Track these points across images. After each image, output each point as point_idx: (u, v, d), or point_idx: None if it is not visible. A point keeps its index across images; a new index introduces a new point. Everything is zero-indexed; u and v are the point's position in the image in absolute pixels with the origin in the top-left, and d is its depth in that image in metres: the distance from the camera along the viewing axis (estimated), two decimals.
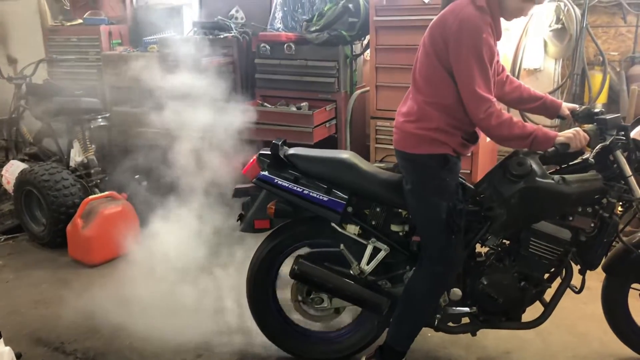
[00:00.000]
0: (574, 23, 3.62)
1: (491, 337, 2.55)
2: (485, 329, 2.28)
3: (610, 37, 3.78)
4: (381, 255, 2.21)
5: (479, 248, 2.25)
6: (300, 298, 2.36)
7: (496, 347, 2.53)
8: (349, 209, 2.18)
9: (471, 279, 2.22)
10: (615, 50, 3.77)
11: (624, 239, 2.19)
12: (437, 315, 2.24)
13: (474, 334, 2.29)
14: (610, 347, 2.47)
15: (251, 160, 2.33)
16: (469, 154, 3.11)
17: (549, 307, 2.22)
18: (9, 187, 4.01)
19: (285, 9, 4.08)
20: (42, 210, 3.73)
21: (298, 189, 2.18)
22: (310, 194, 2.17)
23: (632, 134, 2.10)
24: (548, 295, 2.23)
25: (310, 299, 2.35)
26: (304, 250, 2.37)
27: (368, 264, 2.23)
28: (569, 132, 1.97)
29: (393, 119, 2.18)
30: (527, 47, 3.83)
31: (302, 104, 3.78)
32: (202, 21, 4.24)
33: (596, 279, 2.33)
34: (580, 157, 2.12)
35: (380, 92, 3.68)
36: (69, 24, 4.80)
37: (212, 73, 3.41)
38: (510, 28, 3.75)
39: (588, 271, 2.18)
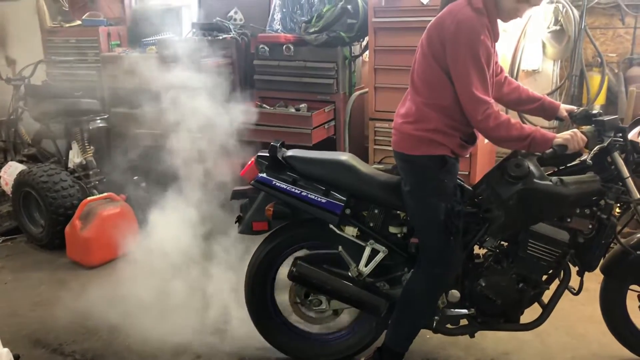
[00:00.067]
0: (572, 24, 3.63)
1: (490, 339, 2.56)
2: (484, 330, 2.28)
3: (609, 38, 3.78)
4: (379, 257, 2.21)
5: (477, 250, 2.25)
6: (298, 300, 2.36)
7: (495, 349, 2.53)
8: (347, 211, 2.18)
9: (469, 281, 2.22)
10: (613, 52, 3.77)
11: (622, 240, 2.19)
12: (436, 317, 2.24)
13: (472, 336, 2.29)
14: (608, 349, 2.47)
15: (249, 162, 2.33)
16: (467, 156, 3.11)
17: (548, 309, 2.22)
18: (7, 188, 4.00)
19: (284, 10, 4.08)
20: (41, 211, 3.73)
21: (296, 191, 2.18)
22: (309, 195, 2.17)
23: (630, 136, 2.10)
24: (546, 296, 2.23)
25: (308, 301, 2.35)
26: (302, 252, 2.37)
27: (366, 265, 2.23)
28: (566, 134, 1.97)
29: (392, 121, 2.18)
30: (525, 49, 3.83)
31: (300, 106, 3.78)
32: (201, 22, 4.24)
33: (594, 280, 2.33)
34: (578, 159, 2.12)
35: (379, 94, 3.69)
36: (67, 25, 4.80)
37: (211, 74, 3.41)
38: (508, 29, 3.76)
39: (586, 273, 2.19)
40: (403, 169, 2.11)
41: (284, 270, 2.35)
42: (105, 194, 3.62)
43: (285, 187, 2.19)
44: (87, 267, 3.42)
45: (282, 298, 2.43)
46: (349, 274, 2.25)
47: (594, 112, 2.16)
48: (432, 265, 2.10)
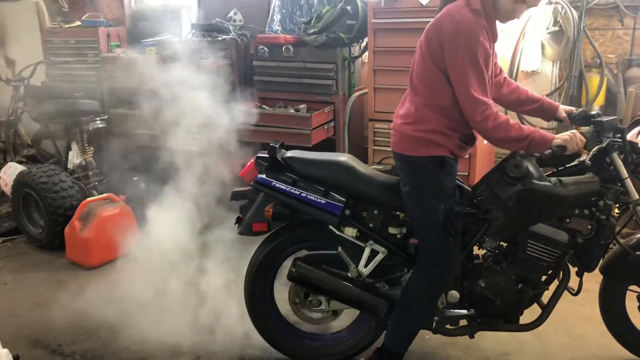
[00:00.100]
0: (572, 25, 3.63)
1: (489, 340, 2.56)
2: (483, 331, 2.28)
3: (608, 39, 3.79)
4: (379, 257, 2.22)
5: (476, 250, 2.26)
6: (298, 300, 2.37)
7: (494, 349, 2.53)
8: (347, 212, 2.18)
9: (469, 281, 2.22)
10: (612, 53, 3.78)
11: (621, 241, 2.19)
12: (435, 318, 2.24)
13: (472, 336, 2.29)
14: (607, 349, 2.48)
15: (249, 163, 2.33)
16: (467, 156, 3.11)
17: (547, 309, 2.22)
18: (7, 189, 4.00)
19: (283, 11, 4.08)
20: (40, 212, 3.73)
21: (296, 192, 2.18)
22: (308, 196, 2.17)
23: (629, 136, 2.11)
24: (545, 297, 2.23)
25: (308, 302, 2.35)
26: (302, 253, 2.37)
27: (366, 266, 2.23)
28: (565, 135, 1.98)
29: (391, 121, 2.18)
30: (524, 50, 3.84)
31: (300, 106, 3.79)
32: (201, 23, 4.24)
33: (593, 281, 2.34)
34: (577, 160, 2.13)
35: (378, 95, 3.69)
36: (67, 25, 4.80)
37: (210, 75, 3.41)
38: (507, 30, 3.76)
39: (585, 273, 2.19)
40: (402, 169, 2.11)
41: (283, 271, 2.35)
42: (104, 194, 3.62)
43: (284, 188, 2.19)
44: (86, 268, 3.42)
45: (282, 299, 2.43)
46: (349, 274, 2.25)
47: (593, 113, 2.17)
48: (431, 266, 2.10)
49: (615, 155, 2.05)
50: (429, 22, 2.02)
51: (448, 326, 2.27)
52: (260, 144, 3.68)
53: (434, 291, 2.17)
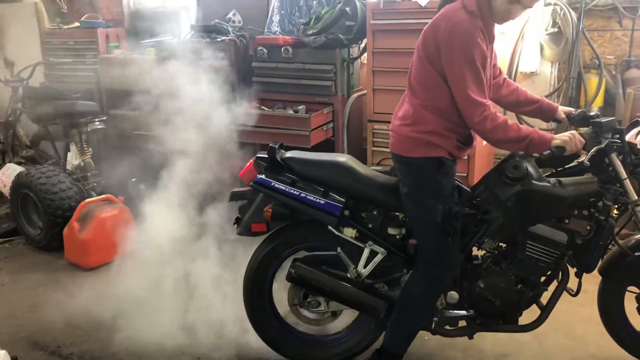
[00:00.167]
0: (570, 27, 3.64)
1: (488, 340, 2.56)
2: (482, 332, 2.28)
3: (606, 40, 3.79)
4: (378, 258, 2.21)
5: (475, 251, 2.26)
6: (297, 301, 2.36)
7: (493, 350, 2.53)
8: (346, 212, 2.18)
9: (468, 282, 2.22)
10: (611, 54, 3.78)
11: (620, 241, 2.19)
12: (434, 319, 2.24)
13: (471, 337, 2.29)
14: (606, 350, 2.48)
15: (248, 163, 2.33)
16: (465, 157, 3.12)
17: (546, 310, 2.22)
18: (6, 190, 4.00)
19: (282, 12, 4.08)
20: (39, 213, 3.72)
21: (295, 192, 2.18)
22: (307, 197, 2.17)
23: (627, 137, 2.11)
24: (544, 298, 2.24)
25: (307, 303, 2.35)
26: (301, 254, 2.37)
27: (365, 267, 2.23)
28: (564, 136, 1.98)
29: (390, 123, 2.18)
30: (523, 51, 3.84)
31: (299, 107, 3.79)
32: (199, 24, 4.24)
33: (592, 281, 2.34)
34: (575, 160, 2.13)
35: (377, 96, 3.69)
36: (66, 26, 4.80)
37: (209, 76, 3.41)
38: (506, 32, 3.77)
39: (584, 274, 2.19)
40: (401, 170, 2.11)
41: (282, 272, 2.35)
42: (103, 195, 3.62)
43: (283, 188, 2.19)
44: (85, 269, 3.42)
45: (281, 300, 2.43)
46: (348, 275, 2.25)
47: (592, 114, 2.17)
48: (430, 267, 2.10)
49: (614, 156, 2.05)
50: (428, 23, 2.02)
51: (447, 327, 2.27)
52: (259, 144, 3.68)
53: (433, 292, 2.17)
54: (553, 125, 3.61)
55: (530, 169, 2.05)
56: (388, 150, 2.20)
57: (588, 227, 2.08)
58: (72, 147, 4.03)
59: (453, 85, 1.94)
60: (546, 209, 2.07)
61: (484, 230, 2.14)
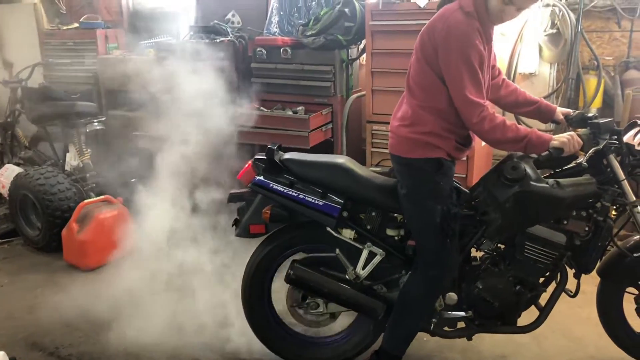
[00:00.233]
0: (569, 28, 3.64)
1: (487, 342, 2.56)
2: (481, 333, 2.28)
3: (605, 41, 3.80)
4: (377, 259, 2.21)
5: (474, 252, 2.26)
6: (295, 303, 2.36)
7: (492, 352, 2.53)
8: (345, 214, 2.18)
9: (467, 283, 2.22)
10: (609, 55, 3.79)
11: (619, 242, 2.19)
12: (433, 320, 2.24)
13: (469, 339, 2.29)
14: (605, 351, 2.48)
15: (246, 164, 2.32)
16: (464, 158, 3.12)
17: (545, 311, 2.22)
18: (4, 191, 3.99)
19: (281, 13, 4.08)
20: (37, 214, 3.72)
21: (293, 194, 2.18)
22: (306, 198, 2.17)
23: (625, 138, 2.11)
24: (543, 299, 2.24)
25: (305, 304, 2.35)
26: (300, 255, 2.37)
27: (364, 268, 2.23)
28: (563, 137, 1.98)
29: (389, 124, 2.18)
30: (522, 52, 3.84)
31: (298, 108, 3.79)
32: (199, 25, 4.24)
33: (591, 282, 2.34)
34: (573, 161, 2.13)
35: (376, 97, 3.69)
36: (65, 27, 4.81)
37: (208, 77, 3.41)
38: (505, 33, 3.77)
39: (583, 275, 2.19)
40: (399, 171, 2.11)
41: (281, 274, 2.35)
42: (102, 196, 3.61)
43: (282, 189, 2.19)
44: (83, 270, 3.41)
45: (280, 301, 2.43)
46: (346, 276, 2.25)
47: (590, 115, 2.17)
48: (428, 268, 2.10)
49: (612, 157, 2.05)
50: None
51: (446, 328, 2.27)
52: (258, 145, 3.69)
53: (432, 293, 2.17)
54: (551, 126, 3.62)
55: (529, 170, 2.05)
56: (387, 151, 2.21)
57: (586, 228, 2.08)
58: (71, 148, 4.03)
59: (451, 86, 1.94)
60: (545, 210, 2.07)
61: (482, 232, 2.14)
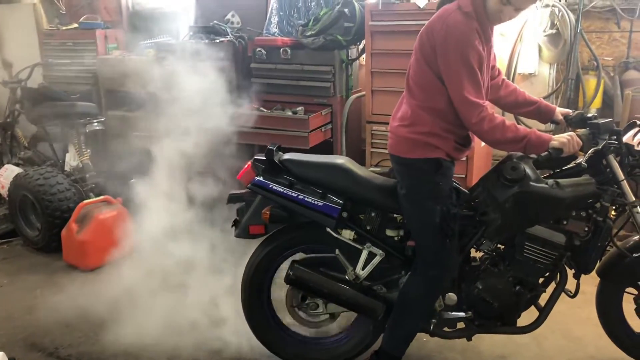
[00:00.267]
0: (568, 28, 3.64)
1: (487, 342, 2.56)
2: (481, 333, 2.28)
3: (604, 42, 3.80)
4: (376, 260, 2.21)
5: (473, 253, 2.26)
6: (295, 303, 2.36)
7: (491, 352, 2.53)
8: (344, 214, 2.18)
9: (466, 284, 2.22)
10: (609, 56, 3.79)
11: (618, 243, 2.20)
12: (433, 320, 2.24)
13: (469, 339, 2.29)
14: (605, 352, 2.48)
15: (246, 165, 2.32)
16: (464, 159, 3.12)
17: (544, 312, 2.22)
18: (4, 191, 3.99)
19: (281, 13, 4.08)
20: (37, 214, 3.71)
21: (293, 194, 2.18)
22: (305, 199, 2.17)
23: (625, 139, 2.11)
24: (543, 299, 2.24)
25: (305, 305, 2.34)
26: (299, 256, 2.37)
27: (363, 269, 2.23)
28: (563, 137, 1.98)
29: (388, 124, 2.18)
30: (521, 52, 3.85)
31: (297, 109, 3.79)
32: (198, 25, 4.24)
33: (591, 283, 2.34)
34: (573, 162, 2.13)
35: (376, 97, 3.69)
36: (64, 27, 4.80)
37: (208, 77, 3.41)
38: (505, 33, 3.78)
39: (582, 275, 2.19)
40: (399, 172, 2.11)
41: (280, 274, 2.35)
42: (101, 197, 3.61)
43: (282, 190, 2.19)
44: (83, 270, 3.41)
45: (279, 302, 2.43)
46: (346, 277, 2.25)
47: (589, 115, 2.18)
48: (428, 268, 2.10)
49: (611, 157, 2.05)
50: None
51: (446, 329, 2.27)
52: (257, 146, 3.69)
53: (431, 293, 2.17)
54: (551, 126, 3.62)
55: (528, 171, 2.05)
56: (387, 151, 2.21)
57: (586, 229, 2.08)
58: (71, 148, 4.03)
59: (450, 86, 1.94)
60: (544, 210, 2.07)
61: (482, 232, 2.14)
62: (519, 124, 3.05)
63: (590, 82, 3.71)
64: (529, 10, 2.02)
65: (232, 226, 2.35)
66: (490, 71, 2.12)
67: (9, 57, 5.38)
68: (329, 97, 3.78)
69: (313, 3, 3.99)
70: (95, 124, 4.03)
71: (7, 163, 4.37)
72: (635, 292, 2.30)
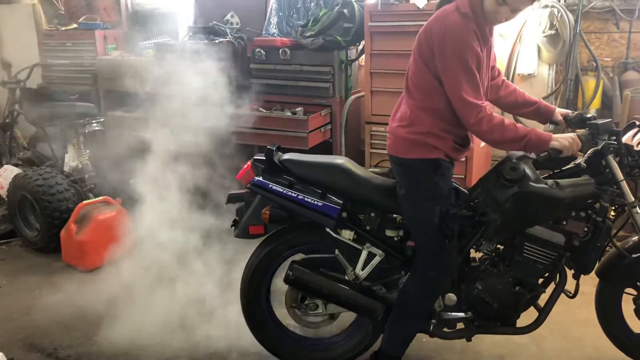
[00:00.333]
0: (568, 29, 3.65)
1: (486, 343, 2.56)
2: (480, 334, 2.28)
3: (603, 43, 3.80)
4: (376, 260, 2.21)
5: (473, 253, 2.26)
6: (294, 304, 2.35)
7: (491, 353, 2.53)
8: (344, 214, 2.18)
9: (466, 284, 2.22)
10: (608, 56, 3.80)
11: (617, 243, 2.19)
12: (432, 321, 2.24)
13: (469, 339, 2.29)
14: (604, 352, 2.48)
15: (245, 165, 2.32)
16: (463, 159, 3.12)
17: (543, 312, 2.22)
18: (3, 192, 3.99)
19: (280, 14, 4.09)
20: (36, 215, 3.71)
21: (292, 194, 2.18)
22: (305, 199, 2.17)
23: (624, 139, 2.11)
24: (542, 300, 2.24)
25: (304, 305, 2.34)
26: (299, 256, 2.37)
27: (363, 269, 2.23)
28: (565, 140, 1.97)
29: (388, 124, 2.18)
30: (521, 53, 3.85)
31: (297, 109, 3.79)
32: (198, 26, 4.24)
33: (590, 283, 2.34)
34: (572, 162, 2.13)
35: (375, 97, 3.70)
36: (63, 28, 4.80)
37: (207, 78, 3.41)
38: (504, 34, 3.78)
39: (582, 276, 2.19)
40: (398, 172, 2.11)
41: (280, 275, 2.35)
42: (100, 197, 3.61)
43: (281, 190, 2.19)
44: (82, 271, 3.41)
45: (279, 302, 2.43)
46: (346, 277, 2.24)
47: (589, 115, 2.18)
48: (427, 269, 2.10)
49: (610, 157, 2.05)
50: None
51: (445, 329, 2.27)
52: (257, 146, 3.69)
53: (431, 294, 2.17)
54: (550, 127, 3.62)
55: (528, 171, 2.05)
56: (386, 151, 2.21)
57: (585, 229, 2.09)
58: (70, 149, 4.02)
59: (448, 87, 1.94)
60: (544, 210, 2.07)
61: (481, 232, 2.14)
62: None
63: (589, 82, 3.71)
64: (528, 11, 2.02)
65: (232, 226, 2.35)
66: (490, 72, 2.12)
67: (8, 58, 5.38)
68: (328, 98, 3.78)
69: (312, 4, 4.00)
70: (95, 124, 4.03)
71: (6, 163, 4.37)
72: (635, 292, 2.30)
